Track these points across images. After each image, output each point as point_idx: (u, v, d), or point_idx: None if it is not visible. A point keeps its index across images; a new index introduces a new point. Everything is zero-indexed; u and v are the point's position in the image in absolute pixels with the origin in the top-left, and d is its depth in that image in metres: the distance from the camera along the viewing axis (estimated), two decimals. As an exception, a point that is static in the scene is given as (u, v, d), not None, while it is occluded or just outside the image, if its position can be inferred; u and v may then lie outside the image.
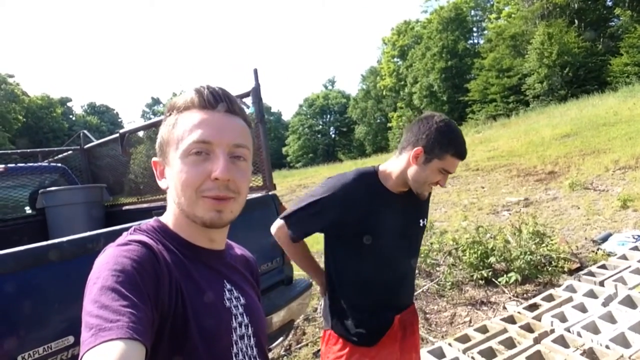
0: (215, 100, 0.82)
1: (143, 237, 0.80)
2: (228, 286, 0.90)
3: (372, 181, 1.59)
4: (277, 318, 2.48)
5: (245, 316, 0.89)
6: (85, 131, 5.22)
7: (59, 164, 4.62)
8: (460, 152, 1.50)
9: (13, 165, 4.27)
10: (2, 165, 4.00)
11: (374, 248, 1.54)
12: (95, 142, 4.80)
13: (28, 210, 4.20)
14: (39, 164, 4.66)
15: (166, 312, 0.72)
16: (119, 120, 67.47)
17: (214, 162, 0.79)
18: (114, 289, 0.65)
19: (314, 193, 1.59)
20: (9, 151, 5.23)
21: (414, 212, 1.67)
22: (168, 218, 0.88)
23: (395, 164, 1.58)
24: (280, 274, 2.76)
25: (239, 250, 1.06)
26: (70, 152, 4.99)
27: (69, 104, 59.75)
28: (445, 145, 1.47)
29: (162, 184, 0.87)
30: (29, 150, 5.05)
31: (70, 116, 58.44)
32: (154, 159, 0.89)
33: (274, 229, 1.66)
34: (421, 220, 1.71)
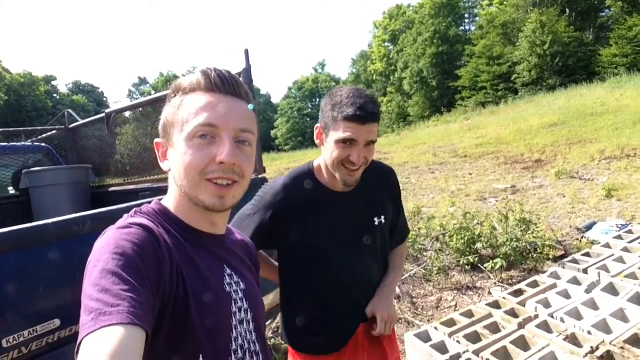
0: (222, 83, 0.82)
1: (144, 220, 0.79)
2: (228, 271, 0.90)
3: (306, 182, 1.45)
4: (267, 301, 2.47)
5: (244, 301, 0.89)
6: (70, 110, 5.09)
7: (43, 144, 4.52)
8: (348, 113, 1.25)
9: (-5, 144, 4.17)
10: (-16, 144, 3.90)
11: (322, 257, 1.43)
12: (81, 121, 4.70)
13: (12, 190, 4.12)
14: (23, 143, 4.55)
15: (167, 296, 0.72)
16: (105, 99, 66.28)
17: (219, 146, 0.79)
18: (114, 272, 0.64)
19: (248, 211, 1.46)
20: (-10, 130, 5.10)
21: (364, 210, 1.50)
22: (169, 201, 0.87)
23: (322, 156, 1.43)
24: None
25: (238, 235, 1.06)
26: (54, 131, 4.87)
27: (53, 83, 58.45)
28: (333, 112, 1.29)
29: (164, 165, 0.87)
30: (11, 130, 4.95)
31: (55, 95, 57.18)
32: (156, 140, 0.87)
33: None
34: (376, 218, 1.51)
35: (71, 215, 1.66)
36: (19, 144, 4.46)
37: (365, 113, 1.26)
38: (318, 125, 1.39)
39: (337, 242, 1.45)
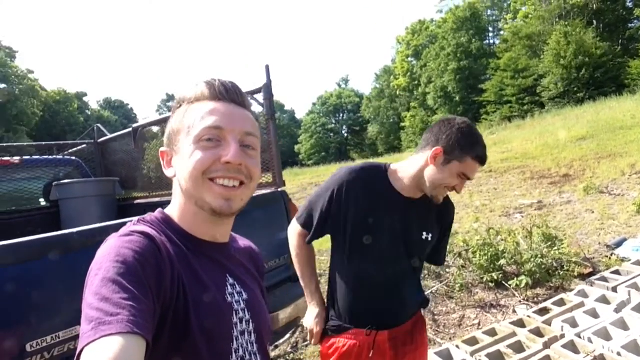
0: (226, 91, 0.84)
1: (146, 228, 0.79)
2: (230, 281, 0.89)
3: (378, 177, 1.56)
4: (284, 315, 2.48)
5: (246, 312, 0.88)
6: (99, 125, 5.27)
7: (73, 157, 4.68)
8: (481, 156, 1.43)
9: (29, 157, 4.33)
10: (18, 158, 4.07)
11: (368, 249, 1.51)
12: (109, 136, 4.85)
13: (42, 202, 4.26)
14: (54, 156, 4.72)
15: (168, 304, 0.72)
16: (134, 115, 68.22)
17: (225, 148, 0.80)
18: (115, 281, 0.64)
19: (320, 189, 1.60)
20: (25, 144, 5.31)
21: (418, 221, 1.58)
22: (173, 210, 0.88)
23: (411, 165, 1.52)
24: (287, 271, 2.76)
25: (243, 243, 1.05)
26: (84, 145, 5.05)
27: (84, 99, 60.56)
28: (466, 147, 1.41)
29: (169, 172, 0.87)
30: (44, 143, 5.13)
31: (87, 111, 59.20)
32: (161, 149, 0.88)
33: (289, 230, 1.70)
34: (424, 233, 1.59)
35: (95, 225, 1.71)
36: (50, 157, 4.62)
37: (486, 159, 1.47)
38: (440, 147, 1.44)
39: (384, 238, 1.52)
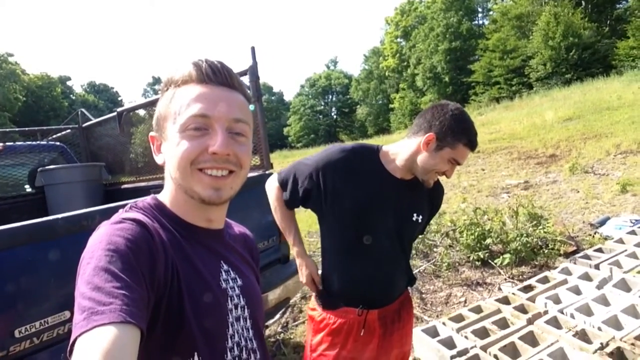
0: (214, 74, 0.80)
1: (138, 215, 0.77)
2: (225, 267, 0.88)
3: (370, 158, 1.57)
4: (273, 296, 2.51)
5: (241, 298, 0.87)
6: (83, 110, 5.19)
7: (58, 143, 4.62)
8: (472, 142, 1.45)
9: (12, 143, 4.26)
10: (1, 144, 4.00)
11: (361, 226, 1.52)
12: (93, 120, 4.78)
13: (28, 188, 4.21)
14: (38, 142, 4.65)
15: (162, 291, 0.71)
16: (119, 99, 67.17)
17: (212, 137, 0.77)
18: (107, 269, 0.63)
19: (308, 159, 1.59)
20: (8, 129, 5.21)
21: (409, 202, 1.60)
22: (165, 196, 0.86)
23: (404, 148, 1.53)
24: (276, 253, 2.78)
25: (238, 229, 1.04)
26: (68, 130, 4.97)
27: (68, 83, 59.39)
28: (458, 133, 1.43)
29: (158, 159, 0.85)
30: (27, 129, 5.04)
31: (71, 95, 58.10)
32: (151, 133, 0.86)
33: (267, 183, 1.72)
34: (415, 215, 1.61)
35: (81, 210, 1.70)
36: (34, 143, 4.55)
37: (476, 145, 1.50)
38: (432, 132, 1.45)
39: (377, 219, 1.54)
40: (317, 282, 1.68)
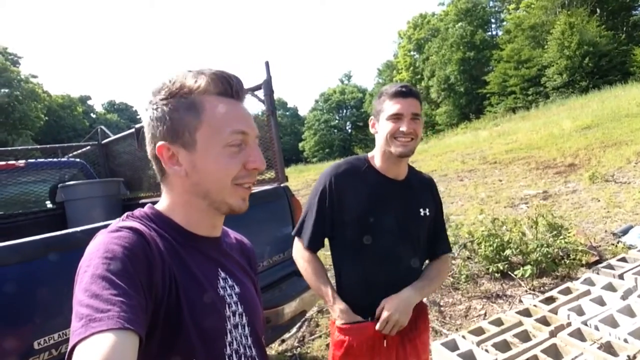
0: (241, 90, 0.84)
1: (134, 224, 0.77)
2: (222, 274, 0.88)
3: (363, 167, 1.61)
4: (289, 309, 2.49)
5: (239, 305, 0.88)
6: (103, 127, 5.30)
7: (78, 159, 4.72)
8: (392, 92, 1.51)
9: (33, 160, 4.37)
10: (23, 161, 4.10)
11: (368, 234, 1.52)
12: (112, 137, 4.88)
13: (49, 204, 4.30)
14: (59, 159, 4.76)
15: (160, 299, 0.71)
16: (138, 117, 68.36)
17: (249, 154, 0.82)
18: (104, 277, 0.64)
19: (310, 194, 1.64)
20: (30, 147, 5.35)
21: (412, 199, 1.62)
22: (164, 205, 0.86)
23: (376, 146, 1.62)
24: (292, 265, 2.76)
25: (235, 237, 1.04)
26: (88, 147, 5.08)
27: (89, 102, 60.94)
28: (380, 98, 1.55)
29: (175, 170, 0.81)
30: (48, 146, 5.17)
31: (91, 114, 59.52)
32: (161, 143, 0.80)
33: (293, 251, 1.69)
34: (422, 210, 1.63)
35: (98, 223, 1.73)
36: (55, 159, 4.66)
37: (407, 90, 1.52)
38: (371, 117, 1.61)
39: (383, 221, 1.54)
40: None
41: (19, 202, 4.16)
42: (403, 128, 1.48)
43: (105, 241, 0.71)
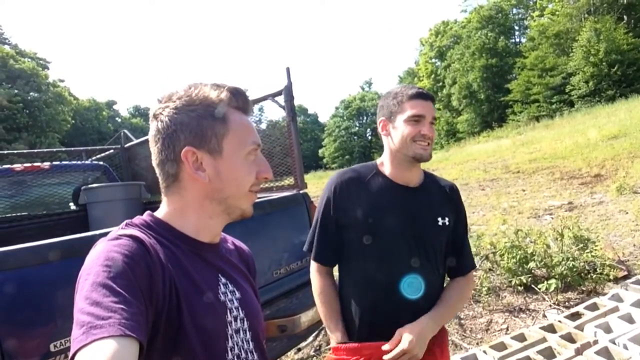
0: (250, 104, 0.91)
1: (134, 231, 0.78)
2: (223, 280, 0.89)
3: (371, 170, 1.56)
4: (306, 318, 2.46)
5: (240, 310, 0.89)
6: (126, 131, 5.40)
7: (101, 162, 4.81)
8: (411, 93, 1.45)
9: (58, 163, 4.46)
10: (48, 163, 4.19)
11: (376, 243, 1.45)
12: (135, 141, 4.96)
13: (72, 206, 4.38)
14: (83, 162, 4.86)
15: (161, 306, 0.72)
16: (161, 122, 69.63)
17: (260, 164, 0.89)
18: (105, 284, 0.64)
19: (318, 204, 1.59)
20: (55, 149, 5.48)
21: (427, 208, 1.51)
22: (164, 212, 0.87)
23: (385, 151, 1.57)
24: (308, 274, 2.74)
25: (233, 242, 1.06)
26: (111, 150, 5.17)
27: (115, 107, 62.34)
28: (396, 99, 1.47)
29: (199, 175, 0.83)
30: (73, 149, 5.29)
31: (117, 118, 60.87)
32: (188, 147, 0.81)
33: (311, 274, 1.63)
34: (440, 219, 1.51)
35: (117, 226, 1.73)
36: (79, 162, 4.76)
37: (426, 93, 1.47)
38: (382, 118, 1.52)
39: (383, 222, 1.46)
40: None
41: (43, 204, 4.25)
42: (424, 131, 1.43)
43: (105, 249, 0.71)
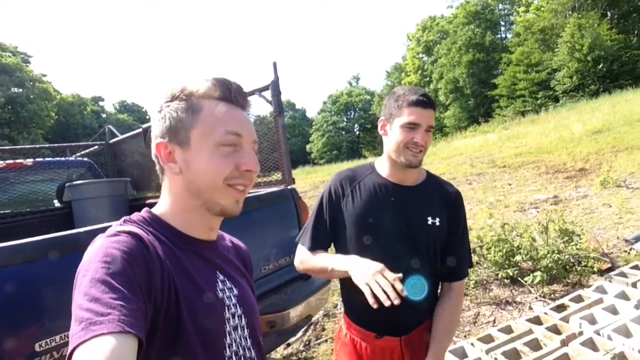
0: (240, 96, 0.86)
1: (133, 228, 0.78)
2: (221, 277, 0.90)
3: (367, 170, 1.61)
4: (295, 313, 2.46)
5: (238, 307, 0.89)
6: (110, 126, 5.31)
7: (86, 159, 4.73)
8: (411, 100, 1.45)
9: (41, 159, 4.38)
10: (30, 160, 4.11)
11: (369, 239, 1.49)
12: (120, 137, 4.88)
13: (56, 203, 4.31)
14: (67, 158, 4.77)
15: (159, 302, 0.72)
16: (147, 117, 68.77)
17: (243, 155, 0.83)
18: (104, 281, 0.64)
19: (315, 205, 1.63)
20: (38, 145, 5.38)
21: (419, 207, 1.53)
22: (161, 208, 0.87)
23: (384, 149, 1.59)
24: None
25: (230, 239, 1.06)
26: (96, 147, 5.09)
27: (100, 103, 61.38)
28: (398, 101, 1.48)
29: (170, 167, 0.84)
30: (56, 145, 5.18)
31: (103, 114, 59.98)
32: (160, 140, 0.84)
33: (296, 261, 1.64)
34: (430, 218, 1.51)
35: (102, 224, 1.70)
36: (63, 159, 4.67)
37: (427, 99, 1.46)
38: (382, 117, 1.55)
39: (382, 221, 1.49)
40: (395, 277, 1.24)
41: (26, 201, 4.17)
42: (417, 139, 1.44)
43: (104, 245, 0.71)
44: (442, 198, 1.59)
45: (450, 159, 15.85)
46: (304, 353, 3.46)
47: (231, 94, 0.84)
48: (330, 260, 1.47)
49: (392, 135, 1.49)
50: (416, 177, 1.59)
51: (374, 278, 1.23)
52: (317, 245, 1.58)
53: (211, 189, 0.81)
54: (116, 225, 0.81)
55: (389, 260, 1.42)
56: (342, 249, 1.58)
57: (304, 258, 1.59)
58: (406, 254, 1.49)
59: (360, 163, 1.73)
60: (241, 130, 0.83)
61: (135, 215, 0.85)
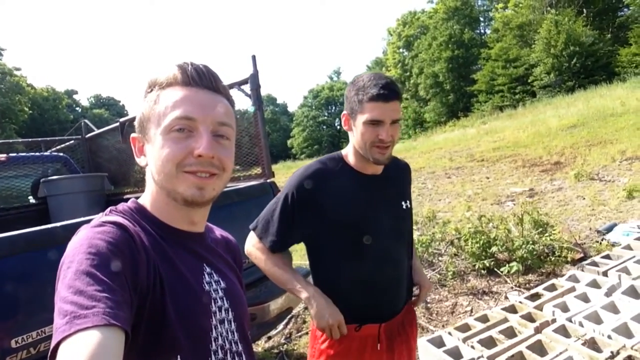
0: (199, 77, 0.81)
1: (118, 218, 0.76)
2: (207, 269, 0.87)
3: (338, 163, 1.50)
4: (275, 305, 2.47)
5: (225, 300, 0.87)
6: (86, 121, 5.21)
7: (61, 154, 4.63)
8: (372, 94, 1.33)
9: (15, 154, 4.27)
10: (4, 155, 4.01)
11: (356, 236, 1.44)
12: (97, 131, 4.80)
13: (31, 199, 4.22)
14: (42, 153, 4.67)
15: (144, 294, 0.70)
16: (125, 112, 67.55)
17: (197, 140, 0.77)
18: (88, 273, 0.62)
19: (278, 196, 1.49)
20: (11, 140, 5.24)
21: (393, 193, 1.54)
22: (146, 199, 0.86)
23: (350, 142, 1.50)
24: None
25: (220, 233, 1.04)
26: (72, 141, 4.99)
27: (75, 97, 59.94)
28: (358, 96, 1.37)
29: (140, 161, 0.85)
30: (31, 140, 5.07)
31: (77, 108, 58.61)
32: (132, 135, 0.85)
33: (247, 244, 1.54)
34: (403, 203, 1.55)
35: (79, 219, 1.69)
36: (38, 154, 4.57)
37: (389, 91, 1.34)
38: (345, 112, 1.45)
39: (369, 221, 1.46)
40: (343, 329, 1.42)
41: (0, 197, 4.07)
42: (382, 136, 1.36)
43: (88, 236, 0.69)
44: (403, 177, 1.63)
45: (430, 153, 16.04)
46: (285, 346, 3.48)
47: (189, 77, 0.80)
48: (292, 282, 1.45)
49: (356, 131, 1.41)
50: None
51: (330, 328, 1.40)
52: (280, 247, 1.50)
53: (167, 178, 0.78)
54: (101, 216, 0.79)
55: (389, 264, 1.50)
56: (331, 253, 1.50)
57: (265, 258, 1.50)
58: (400, 250, 1.54)
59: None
60: (193, 114, 0.77)
61: (122, 206, 0.84)
